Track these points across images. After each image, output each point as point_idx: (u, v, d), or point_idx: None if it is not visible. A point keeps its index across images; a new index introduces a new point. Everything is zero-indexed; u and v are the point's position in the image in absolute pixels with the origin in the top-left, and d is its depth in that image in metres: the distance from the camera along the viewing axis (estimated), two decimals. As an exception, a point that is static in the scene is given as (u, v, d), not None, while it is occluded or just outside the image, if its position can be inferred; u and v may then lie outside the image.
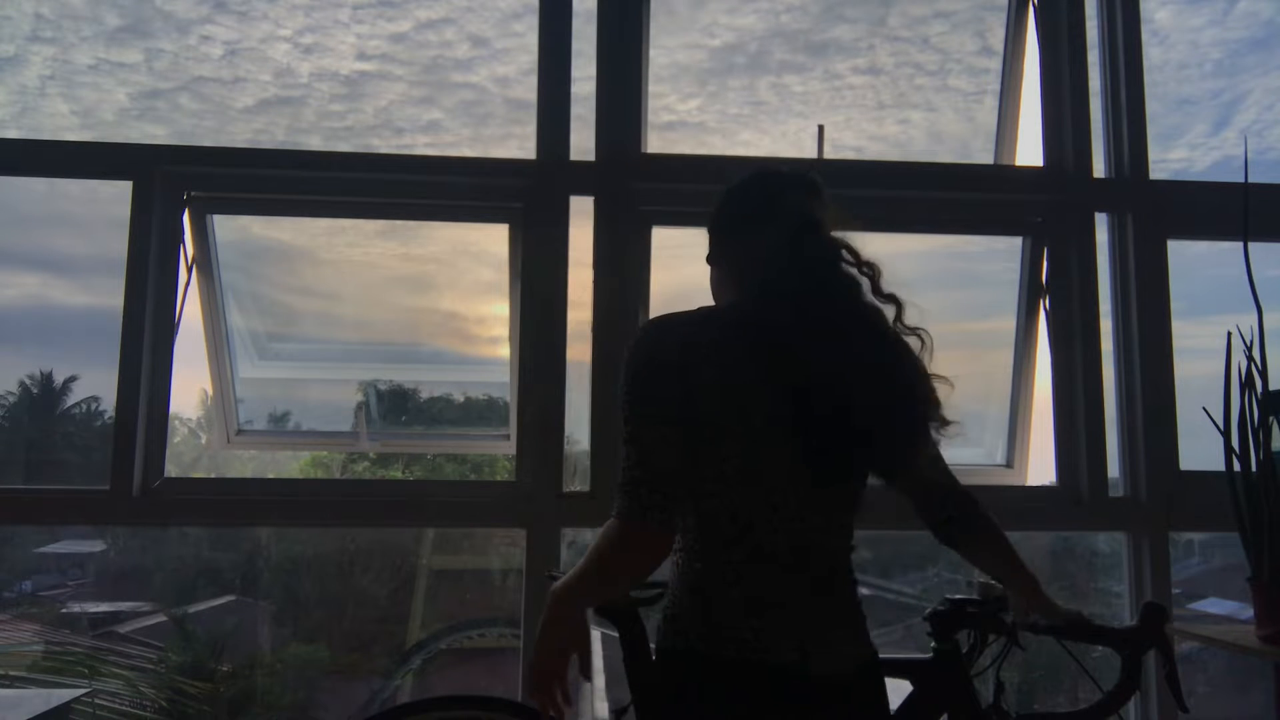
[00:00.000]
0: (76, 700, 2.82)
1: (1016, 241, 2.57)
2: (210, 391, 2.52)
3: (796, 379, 1.24)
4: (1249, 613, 1.99)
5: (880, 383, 1.27)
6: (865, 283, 1.34)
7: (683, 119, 2.71)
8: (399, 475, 2.97)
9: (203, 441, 2.80)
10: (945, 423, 1.36)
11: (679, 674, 1.28)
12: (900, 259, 2.81)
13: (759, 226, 1.38)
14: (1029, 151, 2.58)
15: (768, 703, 1.22)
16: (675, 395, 1.23)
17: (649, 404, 1.24)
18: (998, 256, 2.76)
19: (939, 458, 1.47)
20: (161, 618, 3.10)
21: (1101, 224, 2.51)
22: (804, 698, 1.23)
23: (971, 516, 1.46)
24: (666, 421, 1.22)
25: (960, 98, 2.84)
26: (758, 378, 1.25)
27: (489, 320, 2.71)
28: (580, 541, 2.33)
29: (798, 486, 1.27)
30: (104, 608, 3.21)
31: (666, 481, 1.21)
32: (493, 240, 2.49)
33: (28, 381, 3.10)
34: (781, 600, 1.26)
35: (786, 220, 1.35)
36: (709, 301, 1.47)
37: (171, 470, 2.36)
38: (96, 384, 2.96)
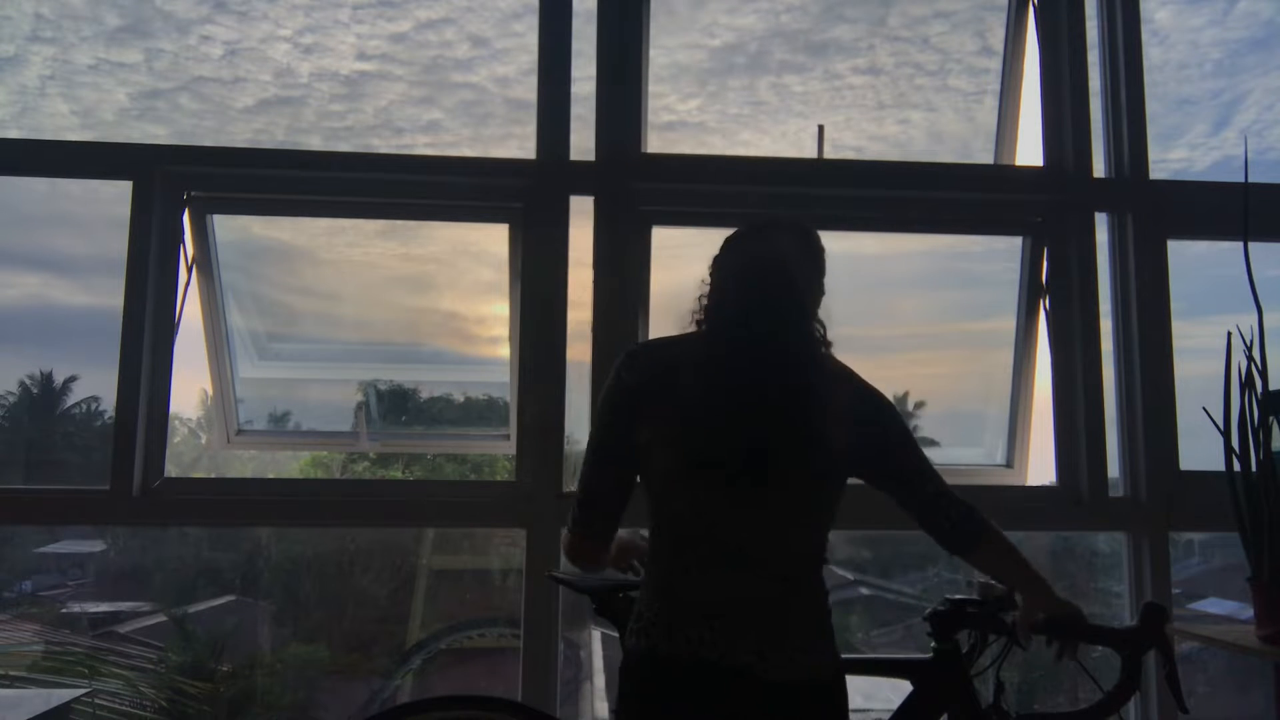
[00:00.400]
0: (76, 700, 2.81)
1: (1016, 241, 2.56)
2: (210, 391, 2.52)
3: (743, 392, 1.32)
4: (1249, 613, 1.99)
5: (808, 399, 1.34)
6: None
7: (683, 119, 2.71)
8: (399, 475, 2.96)
9: (203, 441, 2.79)
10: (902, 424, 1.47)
11: (640, 675, 1.33)
12: (900, 259, 2.83)
13: (731, 261, 1.46)
14: (1029, 151, 2.58)
15: (723, 705, 1.26)
16: (629, 423, 1.37)
17: (601, 433, 1.42)
18: (998, 256, 2.76)
19: (926, 467, 1.46)
20: (161, 618, 3.09)
21: (1101, 224, 2.51)
22: (760, 702, 1.26)
23: (972, 521, 1.45)
24: (612, 451, 1.40)
25: (960, 98, 2.84)
26: (715, 391, 1.32)
27: (489, 320, 2.72)
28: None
29: (755, 490, 1.31)
30: (104, 608, 3.20)
31: (599, 505, 1.42)
32: (493, 240, 2.49)
33: (28, 381, 3.09)
34: (742, 601, 1.30)
35: (755, 254, 1.43)
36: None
37: (171, 470, 2.36)
38: (96, 384, 2.95)
